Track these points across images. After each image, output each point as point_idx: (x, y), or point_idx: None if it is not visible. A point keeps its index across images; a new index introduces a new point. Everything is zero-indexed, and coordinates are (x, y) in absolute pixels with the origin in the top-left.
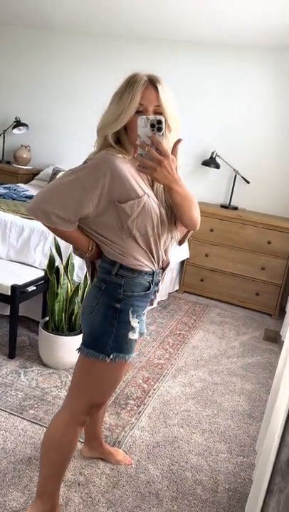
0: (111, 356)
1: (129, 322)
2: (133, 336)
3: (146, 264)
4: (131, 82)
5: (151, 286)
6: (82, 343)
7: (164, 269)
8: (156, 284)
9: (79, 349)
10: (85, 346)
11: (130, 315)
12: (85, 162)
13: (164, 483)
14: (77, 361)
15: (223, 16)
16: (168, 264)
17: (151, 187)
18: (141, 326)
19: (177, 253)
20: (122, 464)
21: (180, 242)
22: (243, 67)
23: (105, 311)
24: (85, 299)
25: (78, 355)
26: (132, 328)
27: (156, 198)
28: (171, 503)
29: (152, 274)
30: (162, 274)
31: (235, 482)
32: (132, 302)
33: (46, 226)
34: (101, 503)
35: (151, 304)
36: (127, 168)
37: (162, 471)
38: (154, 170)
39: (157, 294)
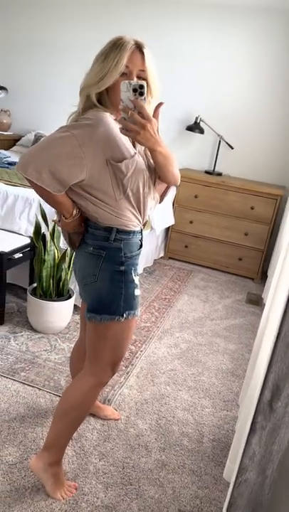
0: (124, 315)
1: (133, 280)
2: (137, 291)
3: (137, 224)
4: (118, 44)
5: (142, 243)
6: (90, 311)
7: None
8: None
9: (89, 318)
10: (97, 313)
11: (132, 274)
12: (80, 121)
13: (152, 436)
14: (90, 329)
15: None
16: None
17: (134, 147)
18: None
19: (163, 220)
20: (111, 418)
21: (161, 199)
22: (227, 29)
23: (111, 275)
24: (83, 269)
25: (89, 323)
26: (136, 285)
27: (141, 154)
28: (160, 453)
29: (141, 232)
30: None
31: (219, 433)
32: (132, 262)
33: (34, 186)
34: (93, 455)
35: None
36: (116, 127)
37: (150, 426)
38: (137, 133)
39: None
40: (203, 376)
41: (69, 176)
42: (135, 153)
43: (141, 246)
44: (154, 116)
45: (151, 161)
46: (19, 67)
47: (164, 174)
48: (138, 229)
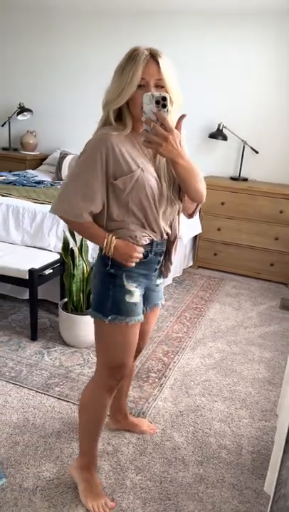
0: (109, 317)
1: (124, 286)
2: (131, 299)
3: (142, 236)
4: (132, 57)
5: (150, 254)
6: (91, 306)
7: (173, 242)
8: (159, 255)
9: (89, 312)
10: (91, 309)
11: (124, 279)
12: (86, 145)
13: (189, 449)
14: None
15: None
16: (175, 236)
17: (154, 160)
18: (153, 295)
19: (190, 229)
20: (147, 433)
21: (190, 215)
22: (246, 34)
23: (102, 276)
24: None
25: None
26: (129, 292)
27: (158, 170)
28: (197, 467)
29: (151, 244)
30: (173, 246)
31: (258, 445)
32: (123, 267)
33: (71, 224)
34: (130, 469)
35: (164, 276)
36: (122, 144)
37: (187, 438)
38: (159, 145)
39: (170, 266)
40: (239, 386)
41: (93, 203)
42: (138, 168)
43: (146, 257)
44: (176, 128)
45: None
46: (43, 89)
47: (187, 189)
48: (143, 242)
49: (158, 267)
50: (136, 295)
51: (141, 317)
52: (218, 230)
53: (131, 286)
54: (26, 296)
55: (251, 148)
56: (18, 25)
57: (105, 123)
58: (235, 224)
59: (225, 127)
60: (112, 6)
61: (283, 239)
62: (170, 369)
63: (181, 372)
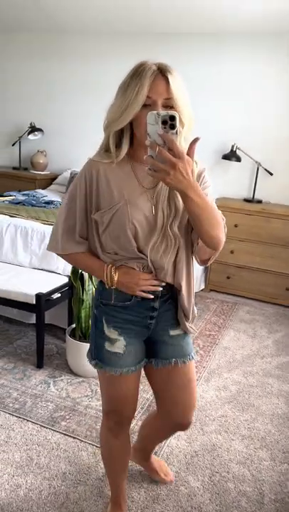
0: (92, 362)
1: (104, 331)
2: (110, 347)
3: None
4: (138, 72)
5: (133, 298)
6: None
7: (176, 290)
8: (153, 299)
9: None
10: None
11: (104, 324)
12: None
13: (206, 496)
14: None
15: (237, 3)
16: (180, 283)
17: (156, 186)
18: (167, 349)
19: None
20: (163, 482)
21: (203, 262)
22: (259, 53)
23: (92, 315)
24: None
25: None
26: (108, 339)
27: (158, 196)
28: None
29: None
30: (180, 293)
31: (281, 492)
32: (106, 310)
33: (63, 257)
34: None
35: (183, 327)
36: (111, 173)
37: (203, 483)
38: (166, 174)
39: (188, 315)
40: (258, 422)
41: (81, 231)
42: (120, 201)
43: (130, 299)
44: (188, 153)
45: (178, 202)
46: (54, 109)
47: (198, 230)
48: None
49: (153, 314)
50: (118, 344)
51: (127, 370)
52: (231, 252)
53: (112, 333)
54: (33, 320)
55: (265, 169)
56: (30, 46)
57: (103, 147)
58: (248, 247)
59: (238, 148)
60: (124, 27)
61: None
62: None
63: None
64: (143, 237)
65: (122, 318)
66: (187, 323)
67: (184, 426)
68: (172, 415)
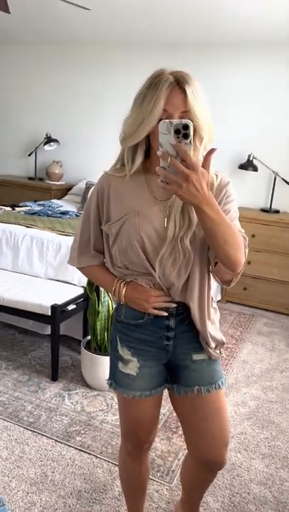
0: (108, 381)
1: (117, 350)
2: (123, 368)
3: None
4: (154, 83)
5: (146, 316)
6: None
7: (186, 311)
8: (167, 317)
9: None
10: None
11: (118, 342)
12: None
13: None
14: None
15: (251, 13)
16: (189, 305)
17: (169, 198)
18: (190, 375)
19: None
20: None
21: (225, 283)
22: (274, 63)
23: (112, 331)
24: None
25: None
26: (121, 359)
27: (171, 208)
28: None
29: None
30: (195, 312)
31: None
32: (119, 328)
33: (80, 270)
34: None
35: (207, 352)
36: (123, 185)
37: (223, 504)
38: (179, 186)
39: (210, 337)
40: (278, 441)
41: (96, 244)
42: (128, 213)
43: (142, 318)
44: (203, 165)
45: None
46: (69, 119)
47: (213, 247)
48: None
49: (169, 334)
50: (131, 366)
51: (141, 394)
52: (248, 263)
53: (125, 353)
54: (48, 331)
55: (283, 179)
56: (46, 58)
57: (121, 161)
58: (266, 257)
59: (255, 158)
60: (140, 38)
61: None
62: None
63: None
64: (152, 250)
65: (136, 338)
66: (210, 348)
67: (215, 464)
68: (201, 450)
